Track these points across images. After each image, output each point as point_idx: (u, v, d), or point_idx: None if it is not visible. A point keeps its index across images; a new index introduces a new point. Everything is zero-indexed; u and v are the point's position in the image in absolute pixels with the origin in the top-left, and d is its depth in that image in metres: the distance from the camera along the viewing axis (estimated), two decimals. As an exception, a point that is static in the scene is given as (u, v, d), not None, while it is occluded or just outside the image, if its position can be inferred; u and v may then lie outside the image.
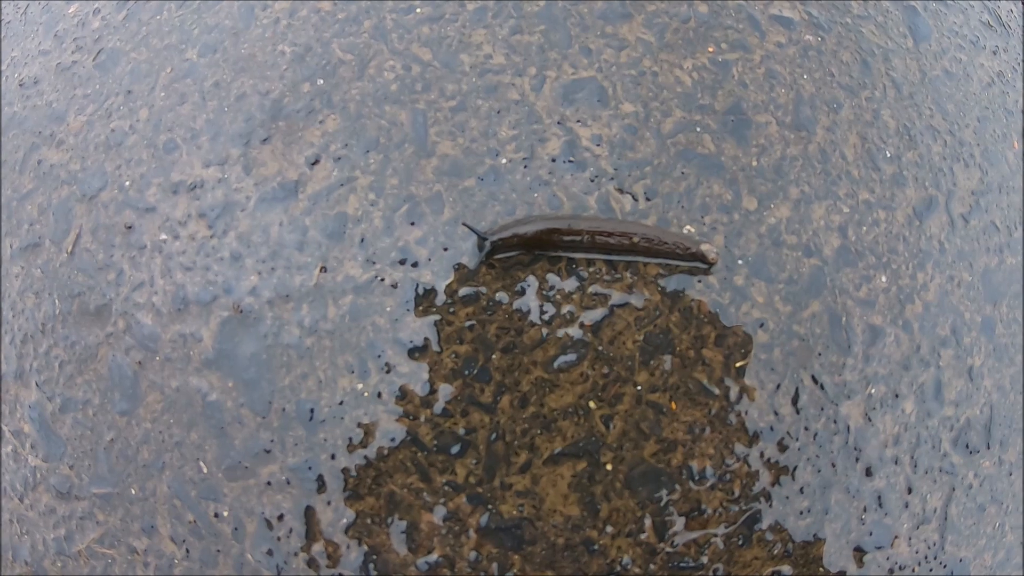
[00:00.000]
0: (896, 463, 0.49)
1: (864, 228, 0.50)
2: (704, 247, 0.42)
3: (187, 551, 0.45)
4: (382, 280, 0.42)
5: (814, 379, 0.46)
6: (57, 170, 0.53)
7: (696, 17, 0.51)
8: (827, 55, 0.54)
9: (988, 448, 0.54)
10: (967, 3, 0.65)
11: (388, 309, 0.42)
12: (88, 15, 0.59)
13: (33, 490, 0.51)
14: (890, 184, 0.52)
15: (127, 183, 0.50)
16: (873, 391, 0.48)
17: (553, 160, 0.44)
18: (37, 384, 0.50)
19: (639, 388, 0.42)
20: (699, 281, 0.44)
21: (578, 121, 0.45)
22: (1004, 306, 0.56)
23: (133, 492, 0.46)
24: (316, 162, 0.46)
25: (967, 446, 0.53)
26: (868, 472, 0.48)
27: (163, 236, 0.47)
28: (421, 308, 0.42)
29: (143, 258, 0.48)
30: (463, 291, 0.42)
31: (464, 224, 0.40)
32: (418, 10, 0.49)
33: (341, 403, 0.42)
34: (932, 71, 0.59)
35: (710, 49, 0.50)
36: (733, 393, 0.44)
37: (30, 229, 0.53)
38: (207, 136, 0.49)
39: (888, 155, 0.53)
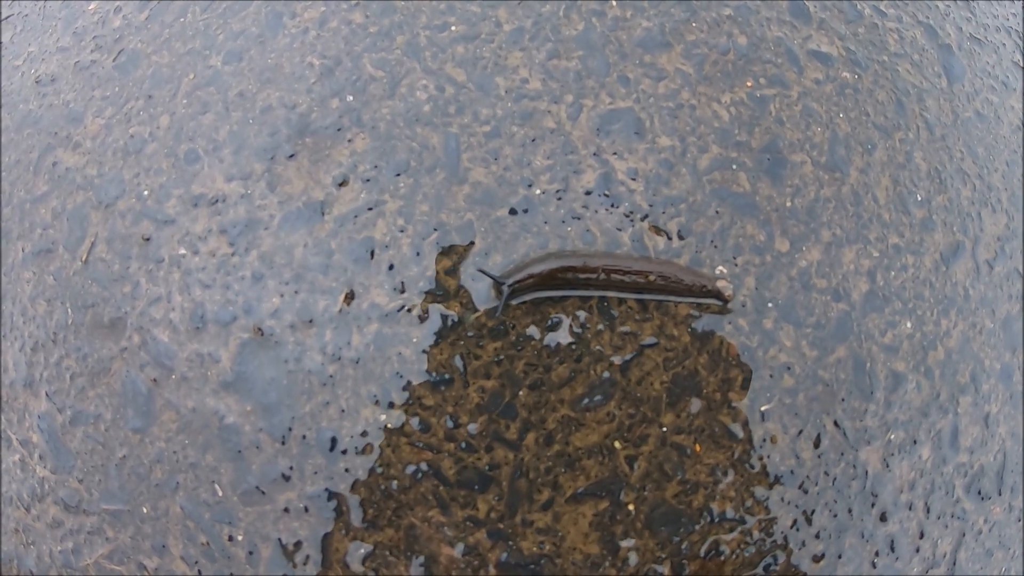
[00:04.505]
0: (910, 508, 0.49)
1: (892, 273, 0.50)
2: (720, 284, 0.42)
3: (199, 572, 0.44)
4: (409, 310, 0.42)
5: (836, 424, 0.46)
6: (73, 174, 0.52)
7: (735, 49, 0.51)
8: (863, 93, 0.54)
9: (999, 494, 0.54)
10: (1000, 41, 0.65)
11: (415, 340, 0.41)
12: (109, 13, 0.57)
13: (40, 501, 0.50)
14: (919, 229, 0.52)
15: (145, 193, 0.49)
16: (892, 437, 0.48)
17: (588, 193, 0.44)
18: (47, 394, 0.49)
19: (664, 429, 0.42)
20: (729, 323, 0.44)
21: (614, 153, 0.45)
22: (1022, 353, 0.56)
23: (145, 511, 0.46)
24: (344, 183, 0.45)
25: (979, 492, 0.53)
26: (883, 517, 0.48)
27: (182, 251, 0.46)
28: (448, 340, 0.41)
29: (160, 272, 0.46)
30: (492, 324, 0.41)
31: (480, 270, 0.39)
32: (453, 28, 0.48)
33: (364, 433, 0.41)
34: (964, 113, 0.58)
35: (748, 84, 0.49)
36: (757, 437, 0.44)
37: (43, 234, 0.52)
38: (230, 149, 0.47)
39: (919, 199, 0.53)
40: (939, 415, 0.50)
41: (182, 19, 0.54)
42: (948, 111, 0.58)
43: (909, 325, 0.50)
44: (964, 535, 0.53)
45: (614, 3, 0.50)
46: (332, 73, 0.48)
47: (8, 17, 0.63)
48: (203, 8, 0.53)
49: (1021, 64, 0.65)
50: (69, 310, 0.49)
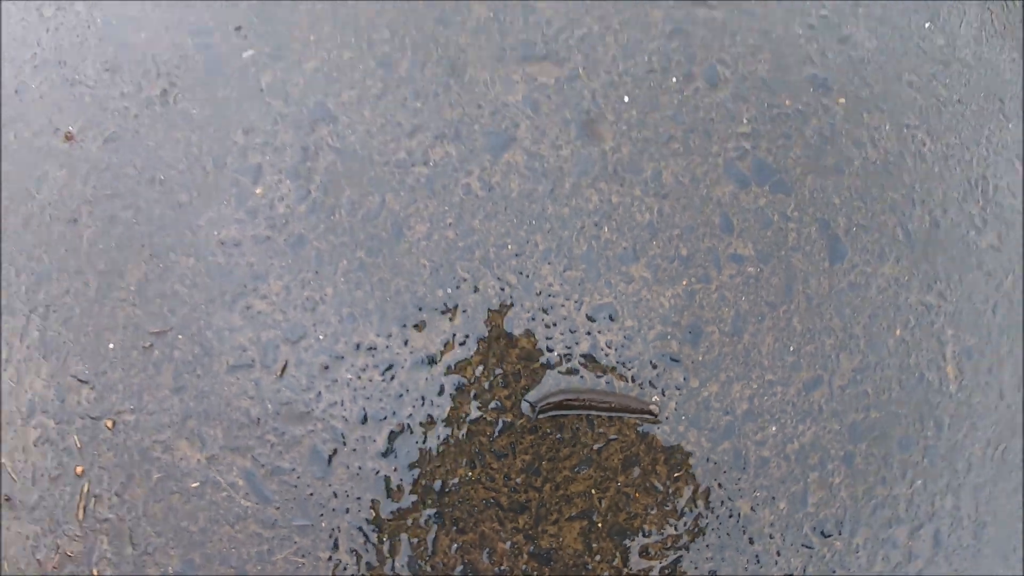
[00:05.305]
0: (771, 537, 1.45)
1: (765, 397, 1.44)
2: (652, 407, 1.35)
3: (357, 558, 1.37)
4: (485, 418, 1.34)
5: (720, 485, 1.40)
6: (264, 316, 1.43)
7: (679, 259, 1.44)
8: (762, 281, 1.47)
9: (840, 534, 1.50)
10: (884, 221, 1.60)
11: (488, 433, 1.34)
12: (274, 200, 1.47)
13: (242, 521, 1.42)
14: (789, 369, 1.46)
15: (321, 337, 1.40)
16: (758, 495, 1.43)
17: (583, 356, 1.36)
18: (252, 457, 1.41)
19: (619, 483, 1.36)
20: (658, 428, 1.37)
21: (599, 332, 1.37)
22: (864, 445, 1.52)
23: (323, 525, 1.38)
24: (447, 345, 1.37)
25: (823, 532, 1.49)
26: (751, 541, 1.43)
27: (350, 376, 1.38)
28: (506, 435, 1.34)
29: (336, 387, 1.38)
30: (529, 427, 1.34)
31: (524, 400, 1.32)
32: (508, 247, 1.40)
33: (458, 482, 1.34)
34: (839, 285, 1.53)
35: (684, 282, 1.43)
36: (671, 490, 1.38)
37: (243, 354, 1.43)
38: (376, 316, 1.39)
39: (791, 350, 1.47)
40: (793, 483, 1.46)
41: (332, 217, 1.45)
42: (826, 286, 1.52)
43: (774, 429, 1.44)
44: (812, 557, 1.49)
45: (606, 229, 1.42)
46: (437, 272, 1.40)
47: (182, 181, 1.53)
48: (347, 212, 1.44)
49: (900, 238, 1.60)
50: (268, 404, 1.41)
